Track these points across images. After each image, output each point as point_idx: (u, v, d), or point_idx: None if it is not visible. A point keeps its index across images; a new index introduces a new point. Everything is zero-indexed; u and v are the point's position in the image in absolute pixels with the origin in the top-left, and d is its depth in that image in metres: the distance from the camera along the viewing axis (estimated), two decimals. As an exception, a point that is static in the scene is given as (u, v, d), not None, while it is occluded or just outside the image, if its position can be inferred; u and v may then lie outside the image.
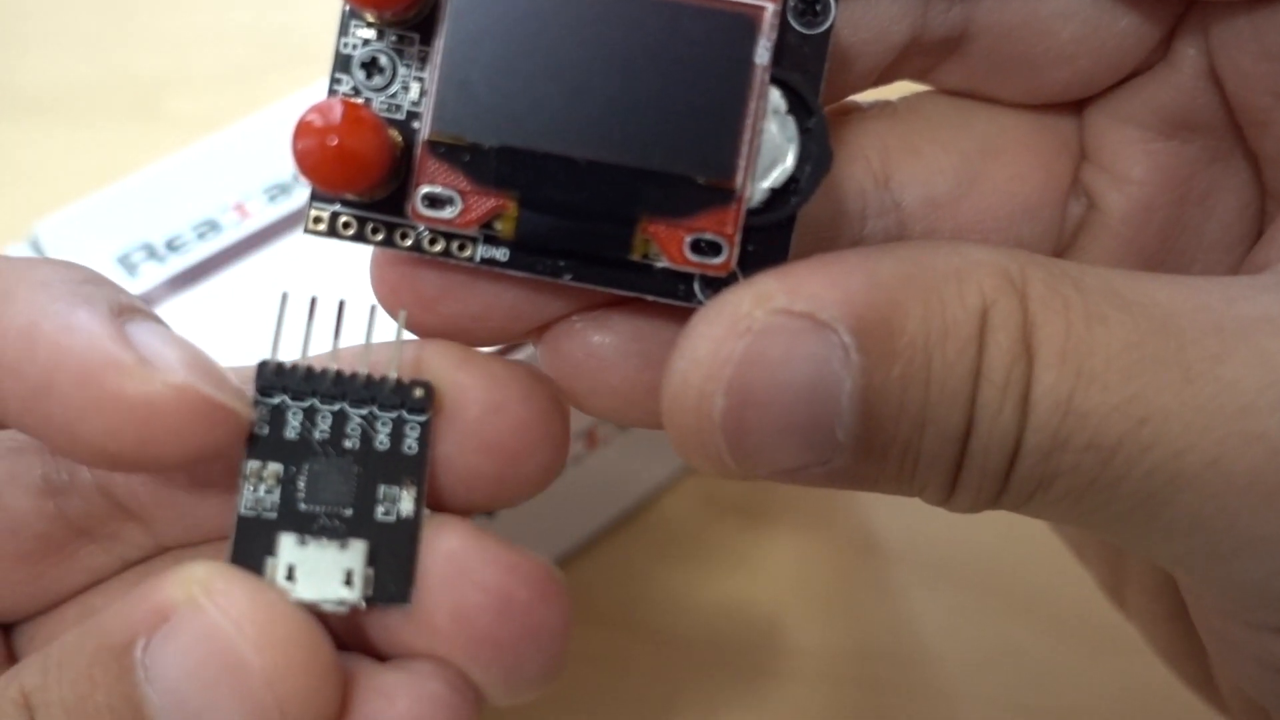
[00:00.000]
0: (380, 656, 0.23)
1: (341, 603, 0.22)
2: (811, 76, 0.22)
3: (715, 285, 0.22)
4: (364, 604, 0.22)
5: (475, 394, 0.23)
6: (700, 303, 0.22)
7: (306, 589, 0.22)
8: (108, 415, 0.21)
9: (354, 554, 0.22)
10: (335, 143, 0.20)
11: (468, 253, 0.22)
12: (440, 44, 0.21)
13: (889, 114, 0.26)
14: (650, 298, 0.23)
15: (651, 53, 0.21)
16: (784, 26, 0.22)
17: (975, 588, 0.43)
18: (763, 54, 0.21)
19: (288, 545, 0.22)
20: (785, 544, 0.45)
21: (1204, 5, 0.24)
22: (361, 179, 0.21)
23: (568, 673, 0.41)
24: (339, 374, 0.22)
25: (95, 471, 0.24)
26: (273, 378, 0.22)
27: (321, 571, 0.22)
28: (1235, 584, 0.21)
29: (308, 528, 0.22)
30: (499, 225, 0.22)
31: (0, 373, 0.21)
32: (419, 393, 0.22)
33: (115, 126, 0.54)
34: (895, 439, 0.21)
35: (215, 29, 0.57)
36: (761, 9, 0.21)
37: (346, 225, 0.23)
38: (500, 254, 0.22)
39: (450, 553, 0.22)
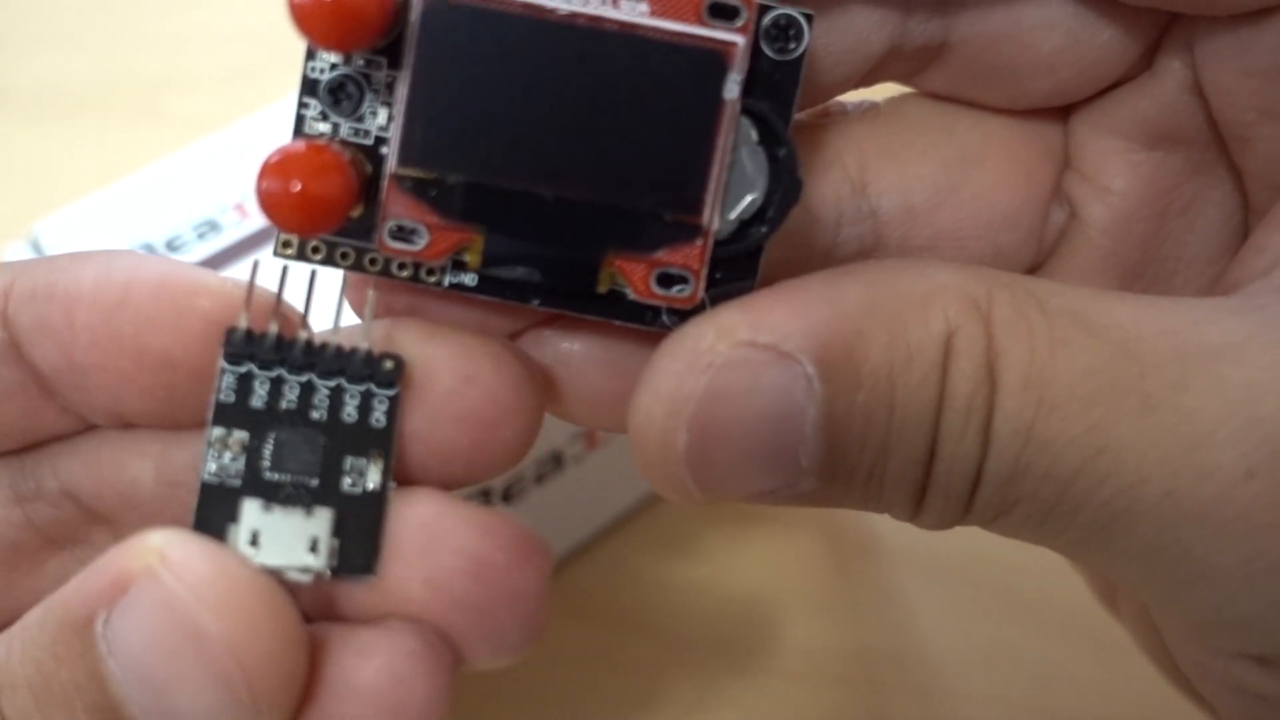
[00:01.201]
0: None
1: (306, 570, 0.21)
2: (783, 104, 0.22)
3: (683, 313, 0.22)
4: (329, 572, 0.21)
5: (447, 365, 0.22)
6: (668, 328, 0.22)
7: (270, 555, 0.21)
8: (181, 319, 0.22)
9: (320, 522, 0.22)
10: (299, 189, 0.20)
11: (435, 279, 0.22)
12: (406, 77, 0.21)
13: (869, 118, 0.26)
14: (619, 323, 0.23)
15: (619, 88, 0.21)
16: (756, 52, 0.22)
17: (975, 588, 0.43)
18: (732, 89, 0.21)
19: (252, 511, 0.22)
20: (785, 544, 0.45)
21: (1188, 20, 0.24)
22: (325, 223, 0.21)
23: (567, 671, 0.42)
24: (308, 343, 0.22)
25: (63, 477, 0.24)
26: (241, 345, 0.22)
27: (286, 538, 0.21)
28: (1193, 611, 0.22)
29: (273, 495, 0.22)
30: (466, 257, 0.22)
31: (77, 307, 0.22)
32: (389, 364, 0.22)
33: (115, 126, 0.54)
34: (860, 464, 0.21)
35: (215, 29, 0.57)
36: (732, 45, 0.21)
37: (315, 250, 0.23)
38: (469, 279, 0.22)
39: (423, 520, 0.22)
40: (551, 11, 0.21)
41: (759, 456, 0.21)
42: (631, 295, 0.22)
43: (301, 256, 0.23)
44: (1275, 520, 0.20)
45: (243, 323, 0.22)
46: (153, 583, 0.20)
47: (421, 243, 0.21)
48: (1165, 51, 0.25)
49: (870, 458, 0.21)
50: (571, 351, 0.24)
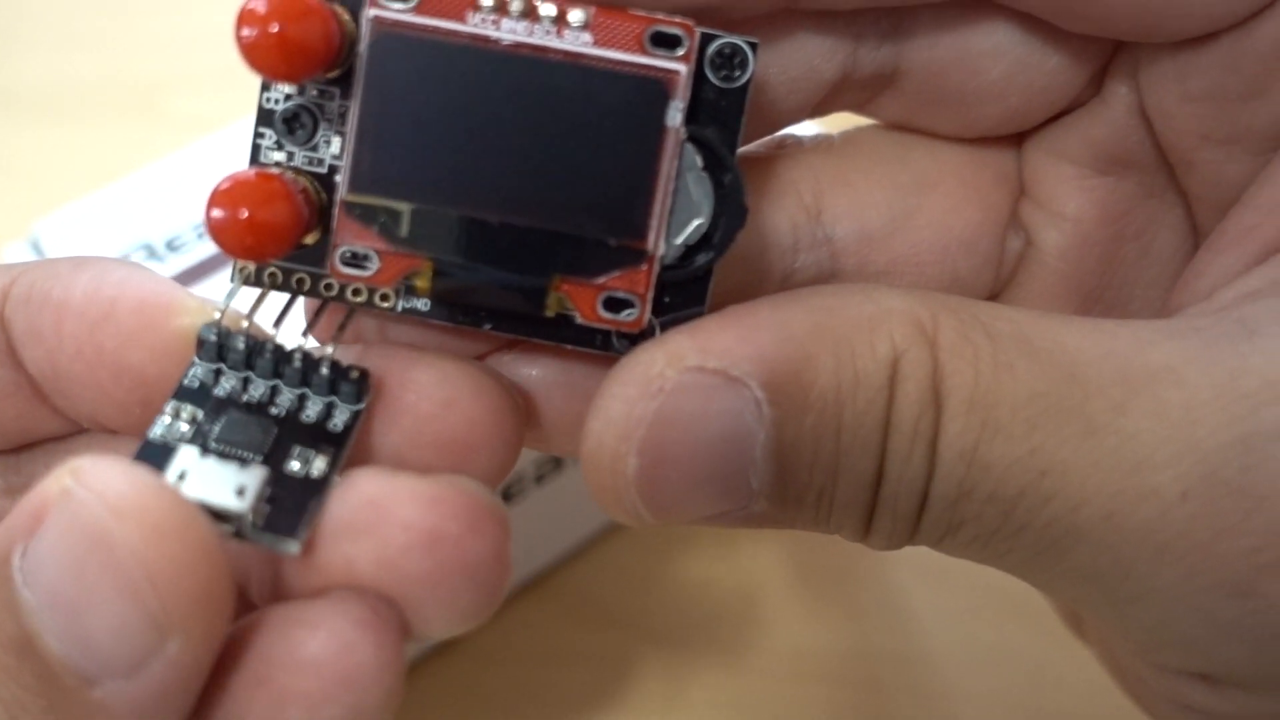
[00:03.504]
0: None
1: (227, 513, 0.21)
2: (729, 131, 0.22)
3: (632, 337, 0.22)
4: (250, 518, 0.21)
5: (427, 390, 0.22)
6: (618, 352, 0.22)
7: (194, 489, 0.21)
8: (159, 337, 0.22)
9: (252, 475, 0.21)
10: (245, 216, 0.21)
11: (389, 303, 0.23)
12: (355, 106, 0.21)
13: (824, 148, 0.26)
14: (569, 347, 0.23)
15: (564, 115, 0.21)
16: (701, 80, 0.22)
17: (975, 588, 0.43)
18: (675, 116, 0.21)
19: (186, 454, 0.21)
20: (784, 544, 0.44)
21: (1132, 46, 0.24)
22: (273, 250, 0.21)
23: (567, 672, 0.42)
24: (278, 348, 0.22)
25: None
26: (213, 344, 0.22)
27: (214, 479, 0.21)
28: (1136, 629, 0.22)
29: (211, 449, 0.22)
30: (417, 282, 0.22)
31: (66, 316, 0.23)
32: (354, 374, 0.22)
33: (115, 126, 0.54)
34: (809, 486, 0.21)
35: (215, 29, 0.56)
36: (674, 73, 0.21)
37: (272, 275, 0.23)
38: (421, 304, 0.23)
39: (368, 499, 0.21)
40: (496, 42, 0.21)
41: (710, 480, 0.21)
42: (579, 319, 0.22)
43: (258, 282, 0.23)
44: (1211, 540, 0.20)
45: (220, 324, 0.22)
46: (65, 501, 0.19)
47: (372, 268, 0.22)
48: (1113, 77, 0.25)
49: (820, 480, 0.21)
50: (531, 376, 0.24)
